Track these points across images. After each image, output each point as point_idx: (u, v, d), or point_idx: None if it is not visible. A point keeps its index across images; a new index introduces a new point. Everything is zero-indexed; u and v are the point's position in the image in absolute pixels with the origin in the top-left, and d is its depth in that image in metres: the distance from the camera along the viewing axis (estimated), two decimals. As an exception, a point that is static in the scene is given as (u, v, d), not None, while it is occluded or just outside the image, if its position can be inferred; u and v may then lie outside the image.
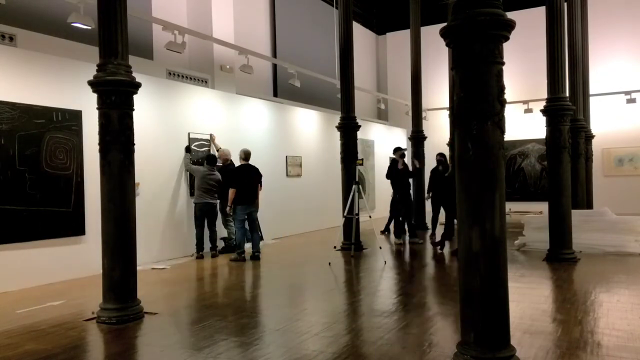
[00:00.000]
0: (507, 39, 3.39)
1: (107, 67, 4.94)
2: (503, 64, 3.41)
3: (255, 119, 10.91)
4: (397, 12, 18.41)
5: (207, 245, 8.87)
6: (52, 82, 6.97)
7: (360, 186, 8.76)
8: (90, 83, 5.01)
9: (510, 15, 3.45)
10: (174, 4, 10.57)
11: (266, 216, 9.91)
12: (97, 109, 5.01)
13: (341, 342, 4.28)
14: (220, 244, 9.26)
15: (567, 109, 7.79)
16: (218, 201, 8.91)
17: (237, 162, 9.11)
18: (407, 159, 11.14)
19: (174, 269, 7.85)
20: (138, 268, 5.27)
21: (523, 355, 3.79)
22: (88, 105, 6.71)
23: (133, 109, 5.12)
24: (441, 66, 16.84)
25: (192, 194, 9.02)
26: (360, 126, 9.71)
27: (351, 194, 8.63)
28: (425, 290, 6.32)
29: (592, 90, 14.08)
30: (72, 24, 7.38)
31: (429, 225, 11.02)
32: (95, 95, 5.02)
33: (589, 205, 12.02)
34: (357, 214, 8.86)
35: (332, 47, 14.77)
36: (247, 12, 12.52)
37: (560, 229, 7.83)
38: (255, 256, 8.49)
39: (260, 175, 8.78)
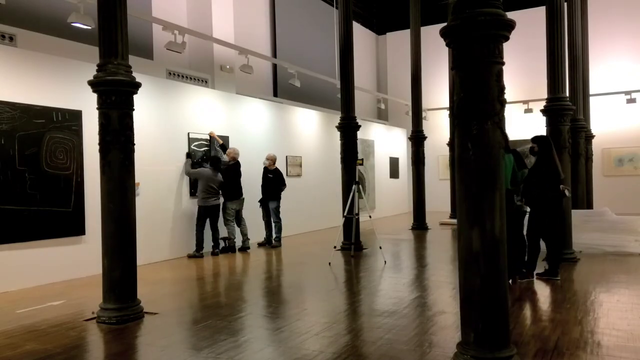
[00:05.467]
0: (507, 39, 3.39)
1: (107, 67, 4.94)
2: (503, 64, 3.41)
3: (255, 119, 10.91)
4: (397, 12, 18.42)
5: (207, 245, 8.91)
6: (52, 82, 6.97)
7: (360, 186, 8.76)
8: (90, 83, 5.01)
9: (510, 15, 3.46)
10: (174, 4, 10.57)
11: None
12: (97, 109, 5.01)
13: (341, 342, 4.28)
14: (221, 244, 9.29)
15: (567, 109, 7.79)
16: (221, 201, 9.10)
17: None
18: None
19: (174, 268, 7.85)
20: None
21: (523, 355, 3.79)
22: (88, 105, 6.72)
23: (133, 109, 5.12)
24: (441, 66, 16.85)
25: (192, 194, 9.04)
26: (360, 126, 9.72)
27: (351, 194, 8.63)
28: (425, 290, 6.32)
29: (592, 90, 14.08)
30: (72, 24, 7.38)
31: None
32: (95, 95, 5.02)
33: (589, 205, 12.02)
34: (357, 214, 8.87)
35: (332, 47, 14.77)
36: (247, 12, 12.53)
37: (560, 229, 7.81)
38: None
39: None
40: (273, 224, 9.89)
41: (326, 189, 12.80)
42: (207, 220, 8.88)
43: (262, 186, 9.87)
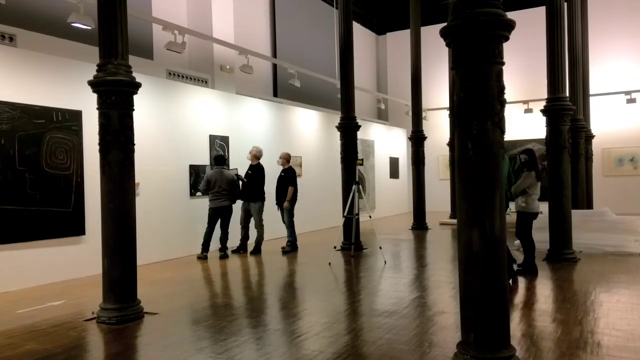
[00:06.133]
0: (507, 39, 3.39)
1: (107, 67, 4.94)
2: (503, 64, 3.41)
3: (255, 119, 10.91)
4: (397, 12, 18.42)
5: (215, 245, 8.89)
6: (52, 82, 6.97)
7: (360, 186, 8.76)
8: (90, 83, 5.01)
9: (510, 15, 3.46)
10: (174, 4, 10.57)
11: (266, 216, 9.91)
12: (97, 109, 5.01)
13: (341, 342, 4.28)
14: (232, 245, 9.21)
15: (567, 109, 7.79)
16: (232, 202, 8.86)
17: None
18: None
19: (174, 268, 7.85)
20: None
21: (523, 355, 3.79)
22: (88, 105, 6.72)
23: (133, 109, 5.12)
24: (441, 66, 16.85)
25: (192, 194, 9.04)
26: (360, 126, 9.72)
27: (351, 194, 8.63)
28: (425, 290, 6.32)
29: (592, 90, 14.08)
30: (72, 24, 7.38)
31: None
32: (95, 95, 5.02)
33: (589, 205, 12.02)
34: (357, 214, 8.86)
35: (332, 47, 14.77)
36: (247, 12, 12.52)
37: (560, 229, 7.83)
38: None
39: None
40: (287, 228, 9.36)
41: (326, 189, 12.80)
42: (218, 222, 8.74)
43: (276, 186, 9.43)
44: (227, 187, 8.66)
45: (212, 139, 9.62)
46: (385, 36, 19.90)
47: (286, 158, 9.51)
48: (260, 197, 9.08)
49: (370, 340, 4.32)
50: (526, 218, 6.91)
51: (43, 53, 7.02)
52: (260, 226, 9.17)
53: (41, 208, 6.68)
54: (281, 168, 9.48)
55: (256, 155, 9.14)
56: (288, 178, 9.33)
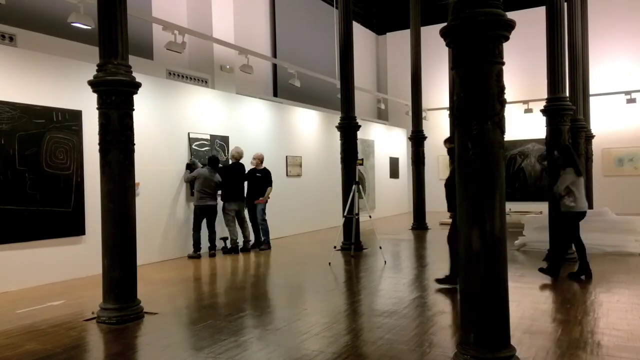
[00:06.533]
0: (507, 39, 3.39)
1: (107, 67, 4.94)
2: (503, 64, 3.41)
3: (255, 119, 10.91)
4: (397, 12, 18.42)
5: (205, 245, 8.92)
6: (52, 82, 6.97)
7: (360, 186, 8.77)
8: (90, 83, 5.01)
9: (510, 15, 3.46)
10: (174, 4, 10.57)
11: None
12: (97, 109, 5.01)
13: (341, 342, 4.28)
14: (220, 244, 9.27)
15: (567, 109, 7.79)
16: (217, 202, 9.03)
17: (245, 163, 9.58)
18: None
19: (174, 268, 7.85)
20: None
21: (523, 355, 3.79)
22: (88, 105, 6.72)
23: (133, 109, 5.12)
24: (441, 66, 16.84)
25: (192, 194, 9.04)
26: (360, 126, 9.72)
27: (351, 194, 8.64)
28: (425, 290, 6.32)
29: (592, 90, 14.07)
30: (72, 24, 7.38)
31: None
32: (95, 95, 5.02)
33: (589, 205, 11.98)
34: (357, 214, 8.87)
35: (332, 47, 14.77)
36: (247, 12, 12.53)
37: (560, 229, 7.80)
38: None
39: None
40: (259, 226, 9.58)
41: (326, 189, 12.80)
42: (205, 221, 8.86)
43: (249, 186, 9.56)
44: (215, 188, 8.87)
45: (213, 138, 9.62)
46: (385, 36, 19.89)
47: (260, 159, 9.73)
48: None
49: (370, 340, 4.32)
50: (574, 218, 6.67)
51: (43, 53, 7.02)
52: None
53: (41, 208, 6.68)
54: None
55: (234, 156, 9.35)
56: (265, 178, 9.59)
